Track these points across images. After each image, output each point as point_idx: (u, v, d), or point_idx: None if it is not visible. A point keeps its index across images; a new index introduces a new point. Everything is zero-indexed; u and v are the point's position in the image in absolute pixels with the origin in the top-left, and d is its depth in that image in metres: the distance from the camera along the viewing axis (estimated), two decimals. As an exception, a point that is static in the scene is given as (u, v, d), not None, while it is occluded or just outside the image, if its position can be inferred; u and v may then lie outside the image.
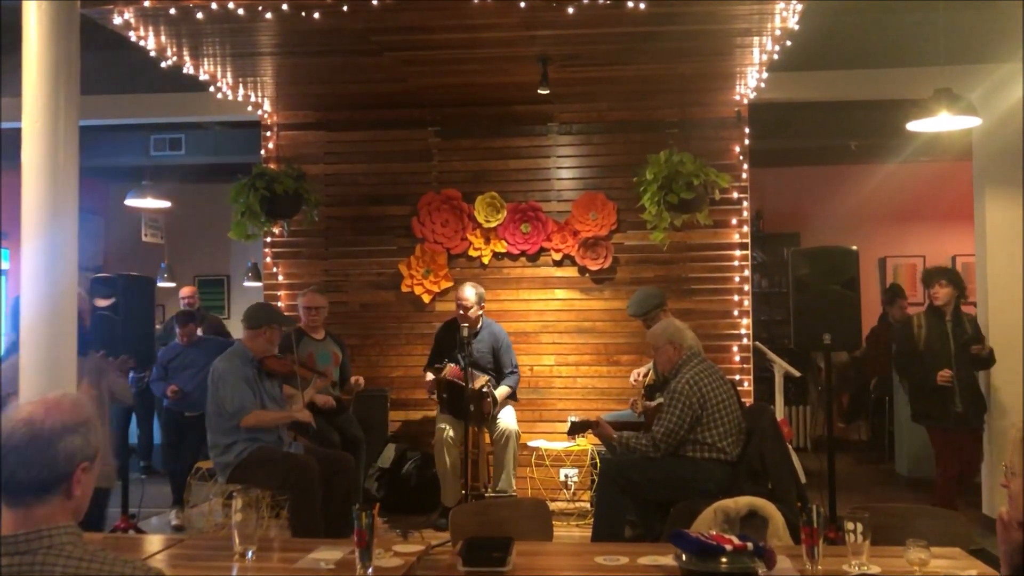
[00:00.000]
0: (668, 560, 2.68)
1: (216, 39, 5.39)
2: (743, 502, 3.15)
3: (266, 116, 7.05)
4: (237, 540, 2.77)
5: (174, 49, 5.52)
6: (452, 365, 5.94)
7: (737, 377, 6.45)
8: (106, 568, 1.69)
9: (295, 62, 5.94)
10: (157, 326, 9.21)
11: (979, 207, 6.65)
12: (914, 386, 5.99)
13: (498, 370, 6.12)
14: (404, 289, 6.89)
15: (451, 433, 5.89)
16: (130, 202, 8.93)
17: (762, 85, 6.16)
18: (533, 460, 6.38)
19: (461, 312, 6.01)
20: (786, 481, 4.54)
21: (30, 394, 3.42)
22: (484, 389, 5.83)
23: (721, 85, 6.39)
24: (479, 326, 6.11)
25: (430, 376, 6.05)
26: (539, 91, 5.80)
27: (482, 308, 6.11)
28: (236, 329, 9.38)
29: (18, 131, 3.62)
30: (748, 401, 6.21)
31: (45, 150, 3.57)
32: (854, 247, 5.50)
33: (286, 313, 6.50)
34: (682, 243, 6.64)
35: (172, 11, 4.80)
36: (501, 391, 6.01)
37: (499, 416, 6.00)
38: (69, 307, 3.65)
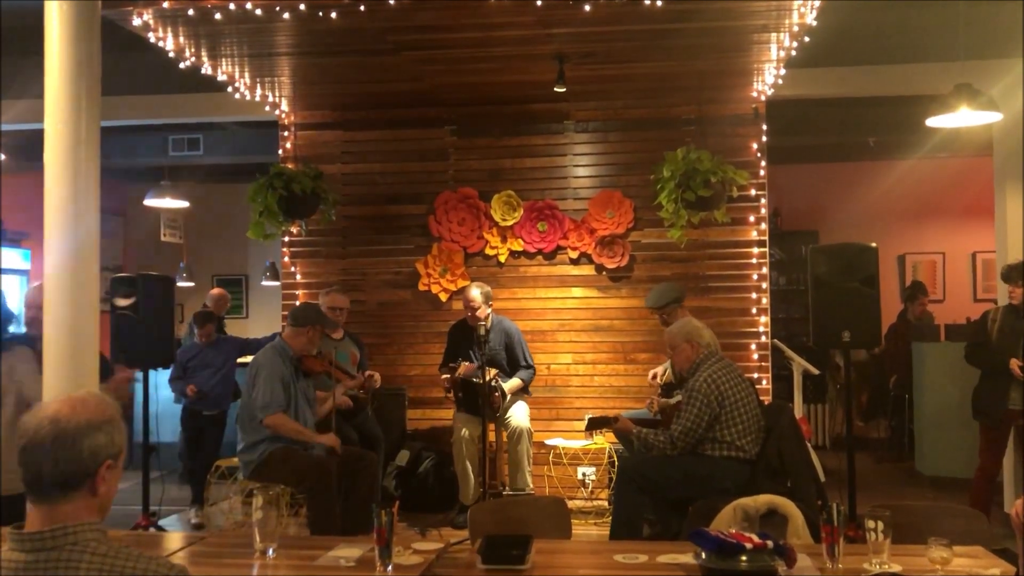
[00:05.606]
0: (688, 558, 2.67)
1: (234, 40, 5.42)
2: (762, 500, 3.14)
3: (283, 116, 7.08)
4: (258, 538, 2.79)
5: (192, 50, 5.55)
6: (466, 363, 5.94)
7: (755, 375, 6.42)
8: (130, 564, 1.72)
9: (312, 62, 5.96)
10: (182, 326, 9.31)
11: (999, 203, 6.59)
12: (980, 380, 5.81)
13: (513, 365, 6.11)
14: (421, 288, 6.90)
15: (468, 431, 5.90)
16: (149, 202, 9.01)
17: (780, 81, 6.12)
18: (551, 458, 6.38)
19: (470, 313, 5.99)
20: (805, 479, 4.53)
21: (53, 393, 3.46)
22: (493, 383, 5.82)
23: (738, 82, 6.36)
24: (489, 324, 6.11)
25: (445, 376, 6.07)
26: (555, 89, 5.79)
27: (490, 306, 6.09)
28: (249, 329, 9.46)
29: (41, 132, 3.65)
30: (767, 399, 6.18)
31: (67, 151, 3.60)
32: (873, 244, 5.45)
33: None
34: (699, 241, 6.62)
35: (190, 12, 4.84)
36: (511, 383, 5.99)
37: (511, 414, 5.99)
38: (91, 307, 3.68)
